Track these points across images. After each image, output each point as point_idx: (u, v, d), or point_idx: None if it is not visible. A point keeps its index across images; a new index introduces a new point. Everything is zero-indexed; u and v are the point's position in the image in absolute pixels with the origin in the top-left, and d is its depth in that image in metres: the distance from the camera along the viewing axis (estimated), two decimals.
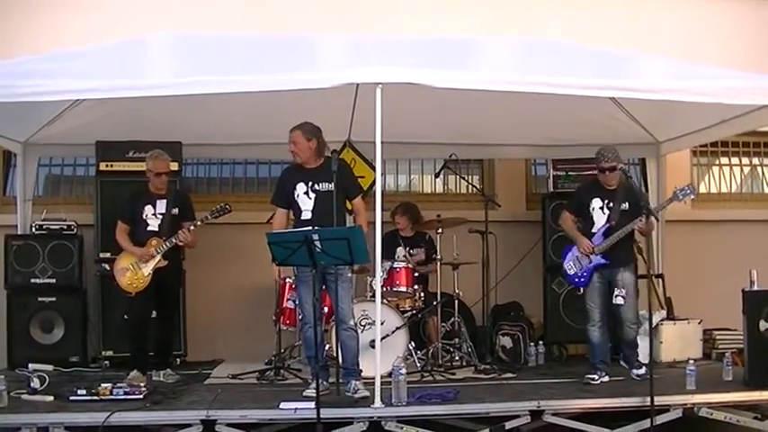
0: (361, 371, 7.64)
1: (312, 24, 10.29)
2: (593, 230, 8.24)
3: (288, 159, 10.48)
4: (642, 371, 8.03)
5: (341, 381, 7.38)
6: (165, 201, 8.47)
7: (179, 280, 9.10)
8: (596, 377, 8.18)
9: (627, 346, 8.29)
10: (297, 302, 8.55)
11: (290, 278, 8.94)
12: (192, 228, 8.40)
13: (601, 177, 8.23)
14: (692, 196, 7.95)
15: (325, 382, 7.28)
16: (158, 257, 8.33)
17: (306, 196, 7.61)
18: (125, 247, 8.47)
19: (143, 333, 8.48)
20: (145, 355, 8.50)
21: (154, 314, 8.62)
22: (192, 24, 9.83)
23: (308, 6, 10.48)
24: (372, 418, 6.86)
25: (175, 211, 8.49)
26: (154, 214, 8.44)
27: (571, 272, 8.39)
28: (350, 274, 7.70)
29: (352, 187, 7.80)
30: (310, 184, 7.58)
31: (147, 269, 8.33)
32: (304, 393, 7.32)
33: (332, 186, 7.51)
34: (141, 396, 7.27)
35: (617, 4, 11.14)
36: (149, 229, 8.42)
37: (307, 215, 7.58)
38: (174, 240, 8.34)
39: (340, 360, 7.40)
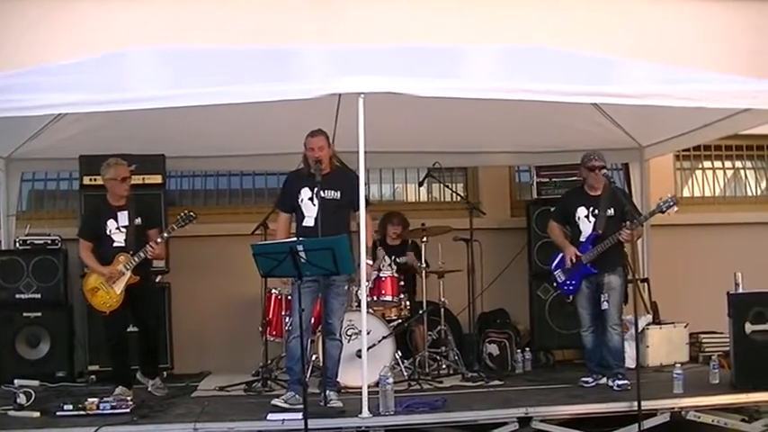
0: (338, 382, 7.68)
1: (300, 32, 10.34)
2: (581, 239, 8.28)
3: (272, 170, 10.56)
4: (622, 381, 7.98)
5: (317, 390, 7.41)
6: (125, 212, 8.23)
7: (154, 292, 8.95)
8: (591, 380, 8.31)
9: (610, 353, 8.19)
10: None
11: (275, 289, 8.97)
12: (159, 240, 8.18)
13: (589, 178, 8.25)
14: (676, 208, 7.93)
15: (297, 396, 7.16)
16: (129, 274, 8.10)
17: (310, 202, 7.51)
18: (91, 267, 8.23)
19: (122, 350, 8.30)
20: (127, 369, 8.35)
21: (134, 328, 8.51)
22: (176, 37, 9.81)
23: (294, 14, 10.56)
24: (360, 427, 6.84)
25: (138, 221, 8.25)
26: (117, 228, 8.19)
27: (560, 279, 8.44)
28: (346, 287, 7.70)
29: (359, 199, 7.57)
30: (316, 190, 7.45)
31: (119, 287, 8.08)
32: (273, 402, 7.23)
33: (338, 195, 7.51)
34: (128, 410, 7.24)
35: (607, 9, 11.19)
36: (116, 245, 8.17)
37: (309, 222, 7.49)
38: (142, 255, 8.09)
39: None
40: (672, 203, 7.88)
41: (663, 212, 7.96)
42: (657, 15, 11.23)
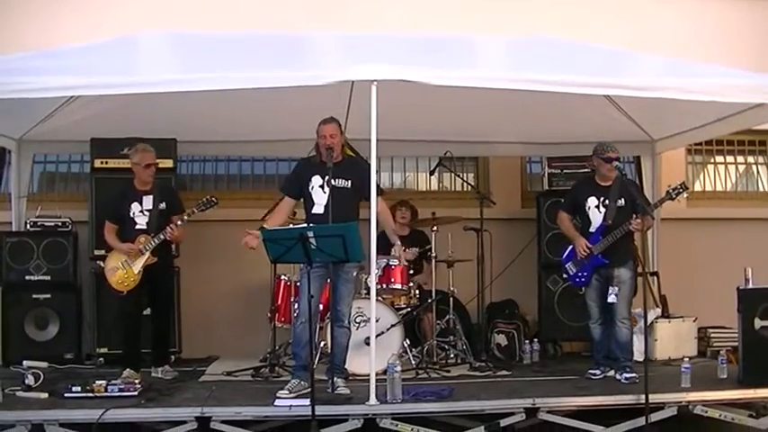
0: (346, 369, 7.68)
1: (305, 20, 10.33)
2: (591, 230, 8.25)
3: (283, 156, 10.55)
4: (630, 375, 7.97)
5: (324, 377, 7.42)
6: (150, 197, 8.35)
7: (171, 275, 8.99)
8: (599, 372, 8.32)
9: (618, 347, 8.16)
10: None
11: (284, 275, 8.99)
12: (179, 223, 8.28)
13: (602, 168, 8.19)
14: (686, 194, 7.94)
15: (303, 382, 7.24)
16: (147, 254, 8.22)
17: (321, 190, 7.48)
18: (113, 246, 8.36)
19: (135, 331, 8.38)
20: (137, 352, 8.40)
21: (147, 311, 8.57)
22: (184, 22, 9.80)
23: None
24: (367, 415, 6.85)
25: (162, 205, 8.36)
26: (141, 211, 8.31)
27: (571, 272, 8.42)
28: (355, 274, 7.68)
29: (370, 189, 7.42)
30: (327, 178, 7.42)
31: (137, 267, 8.21)
32: (277, 394, 7.19)
33: (349, 184, 7.49)
34: (136, 393, 7.26)
35: (607, 5, 11.15)
36: (138, 227, 8.30)
37: (319, 209, 7.47)
38: (162, 236, 8.20)
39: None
40: (681, 190, 7.87)
41: (673, 199, 7.95)
42: (658, 12, 11.19)
